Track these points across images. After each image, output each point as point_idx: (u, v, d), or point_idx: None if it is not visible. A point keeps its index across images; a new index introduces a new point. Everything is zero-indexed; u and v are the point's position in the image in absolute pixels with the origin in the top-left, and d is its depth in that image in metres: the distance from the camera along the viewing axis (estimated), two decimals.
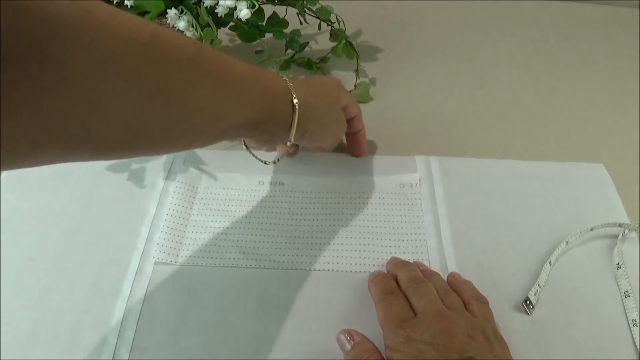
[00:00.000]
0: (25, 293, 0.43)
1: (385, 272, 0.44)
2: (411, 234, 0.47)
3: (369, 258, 0.45)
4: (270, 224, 0.48)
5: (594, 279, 0.44)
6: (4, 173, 0.54)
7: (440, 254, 0.46)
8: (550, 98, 0.65)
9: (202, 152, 0.56)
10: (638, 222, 0.48)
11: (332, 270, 0.45)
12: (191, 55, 0.32)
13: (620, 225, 0.47)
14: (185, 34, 0.34)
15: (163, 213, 0.49)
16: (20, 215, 0.49)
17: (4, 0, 0.21)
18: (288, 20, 0.60)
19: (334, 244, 0.47)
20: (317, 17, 0.61)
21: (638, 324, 0.40)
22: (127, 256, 0.45)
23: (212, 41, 0.49)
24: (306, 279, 0.44)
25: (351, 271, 0.44)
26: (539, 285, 0.43)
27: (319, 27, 0.64)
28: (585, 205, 0.50)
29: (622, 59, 0.72)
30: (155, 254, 0.45)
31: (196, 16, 0.50)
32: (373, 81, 0.68)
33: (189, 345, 0.39)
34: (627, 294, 0.42)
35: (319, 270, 0.45)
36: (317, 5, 0.60)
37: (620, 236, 0.46)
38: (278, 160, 0.49)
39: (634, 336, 0.40)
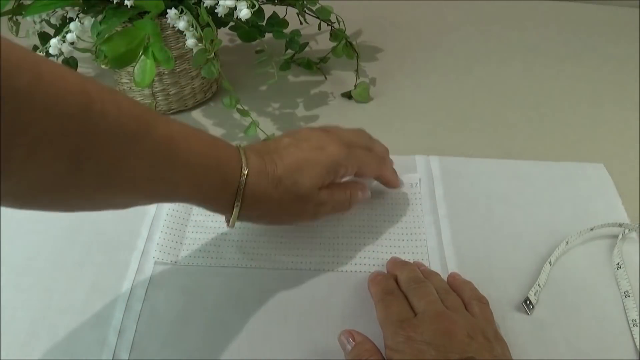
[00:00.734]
0: (25, 293, 0.43)
1: (385, 272, 0.44)
2: (411, 234, 0.47)
3: (369, 258, 0.45)
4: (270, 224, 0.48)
5: (594, 279, 0.44)
6: None
7: (440, 254, 0.46)
8: (550, 98, 0.65)
9: None
10: (638, 222, 0.48)
11: (332, 270, 0.44)
12: (130, 133, 0.30)
13: (620, 225, 0.47)
14: (137, 101, 0.31)
15: (163, 213, 0.49)
16: (20, 215, 0.49)
17: None
18: (288, 20, 0.60)
19: (333, 244, 0.47)
20: (317, 17, 0.61)
21: (638, 324, 0.40)
22: (127, 256, 0.45)
23: (212, 41, 0.49)
24: (306, 279, 0.44)
25: (351, 271, 0.44)
26: (539, 285, 0.43)
27: (319, 27, 0.64)
28: (585, 205, 0.50)
29: (622, 59, 0.72)
30: (155, 254, 0.45)
31: (196, 16, 0.50)
32: (373, 81, 0.68)
33: (189, 345, 0.39)
34: (627, 294, 0.42)
35: (319, 270, 0.45)
36: (317, 5, 0.60)
37: (620, 236, 0.46)
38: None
39: (634, 336, 0.40)
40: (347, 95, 0.64)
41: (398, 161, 0.55)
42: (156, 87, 0.59)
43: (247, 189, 0.37)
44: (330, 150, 0.40)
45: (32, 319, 0.41)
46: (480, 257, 0.45)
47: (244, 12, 0.48)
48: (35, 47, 0.56)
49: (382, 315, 0.39)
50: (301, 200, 0.39)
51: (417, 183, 0.52)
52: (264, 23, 0.57)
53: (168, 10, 0.49)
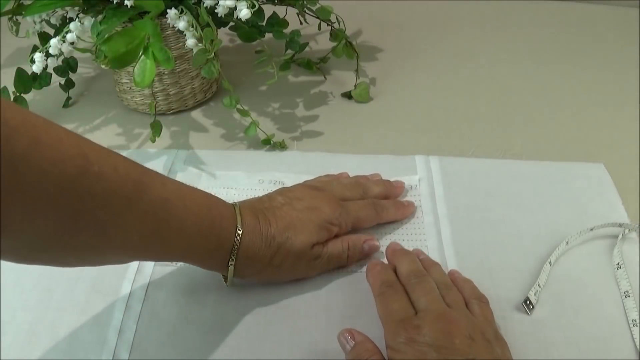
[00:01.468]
0: (25, 293, 0.43)
1: (384, 261, 0.44)
2: (411, 234, 0.47)
3: (368, 258, 0.45)
4: None
5: (594, 279, 0.44)
6: None
7: (440, 254, 0.46)
8: (550, 98, 0.65)
9: (202, 152, 0.56)
10: (638, 222, 0.48)
11: (333, 270, 0.44)
12: (126, 195, 0.31)
13: (620, 225, 0.47)
14: (134, 162, 0.32)
15: None
16: None
17: None
18: (288, 20, 0.60)
19: None
20: (317, 17, 0.61)
21: (638, 324, 0.40)
22: None
23: (212, 41, 0.49)
24: (306, 279, 0.44)
25: (351, 271, 0.44)
26: (539, 285, 0.43)
27: (319, 27, 0.64)
28: (585, 205, 0.50)
29: (622, 59, 0.72)
30: None
31: (196, 16, 0.50)
32: (373, 81, 0.68)
33: (189, 345, 0.39)
34: (627, 294, 0.42)
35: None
36: (317, 5, 0.60)
37: (620, 236, 0.46)
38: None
39: (634, 336, 0.39)
40: (347, 95, 0.64)
41: (398, 161, 0.55)
42: (156, 87, 0.59)
43: (241, 248, 0.37)
44: (323, 210, 0.41)
45: (32, 319, 0.41)
46: (480, 257, 0.45)
47: (244, 12, 0.48)
48: (35, 47, 0.56)
49: (382, 311, 0.39)
50: (294, 258, 0.40)
51: (416, 185, 0.52)
52: (264, 23, 0.57)
53: (168, 10, 0.49)
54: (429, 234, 0.47)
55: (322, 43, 0.71)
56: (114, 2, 0.50)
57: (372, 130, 0.60)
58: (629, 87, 0.66)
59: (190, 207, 0.35)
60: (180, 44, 0.56)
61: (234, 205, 0.39)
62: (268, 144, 0.56)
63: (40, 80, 0.59)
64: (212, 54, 0.49)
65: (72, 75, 0.64)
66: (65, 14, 0.55)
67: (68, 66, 0.62)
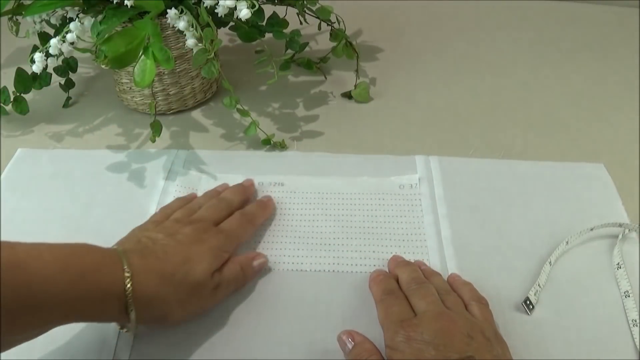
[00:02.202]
0: None
1: (386, 270, 0.44)
2: (411, 234, 0.47)
3: (369, 258, 0.45)
4: (270, 224, 0.48)
5: (594, 279, 0.44)
6: (4, 173, 0.54)
7: (440, 254, 0.46)
8: (550, 98, 0.65)
9: (202, 153, 0.56)
10: (638, 222, 0.48)
11: (332, 271, 0.44)
12: None
13: (620, 225, 0.47)
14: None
15: None
16: (20, 215, 0.49)
17: None
18: (288, 20, 0.60)
19: (334, 244, 0.47)
20: (317, 17, 0.61)
21: (638, 324, 0.40)
22: None
23: (212, 41, 0.49)
24: (306, 279, 0.44)
25: (351, 272, 0.44)
26: (539, 285, 0.43)
27: (319, 27, 0.64)
28: (585, 205, 0.50)
29: (622, 59, 0.72)
30: None
31: (196, 16, 0.50)
32: (373, 81, 0.68)
33: (189, 346, 0.39)
34: (627, 294, 0.42)
35: (319, 271, 0.45)
36: (317, 5, 0.60)
37: (620, 236, 0.46)
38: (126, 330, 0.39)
39: (634, 336, 0.40)
40: (347, 95, 0.64)
41: (398, 161, 0.55)
42: (156, 87, 0.59)
43: (137, 291, 0.35)
44: (210, 240, 0.41)
45: None
46: (480, 257, 0.45)
47: (244, 12, 0.48)
48: (35, 47, 0.56)
49: (382, 316, 0.39)
50: (196, 290, 0.38)
51: (416, 184, 0.52)
52: (264, 23, 0.57)
53: (168, 10, 0.49)
54: (429, 234, 0.47)
55: (322, 43, 0.71)
56: (114, 2, 0.50)
57: (372, 130, 0.60)
58: (629, 87, 0.66)
59: (51, 262, 0.33)
60: (180, 44, 0.56)
61: (116, 249, 0.37)
62: (268, 144, 0.56)
63: (40, 80, 0.59)
64: (212, 54, 0.49)
65: (72, 75, 0.64)
66: (65, 14, 0.55)
67: (68, 66, 0.62)
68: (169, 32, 0.54)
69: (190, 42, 0.50)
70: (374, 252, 0.46)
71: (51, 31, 0.57)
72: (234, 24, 0.58)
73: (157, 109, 0.53)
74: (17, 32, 0.59)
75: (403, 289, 0.41)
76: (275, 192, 0.51)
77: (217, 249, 0.40)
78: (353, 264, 0.45)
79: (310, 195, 0.51)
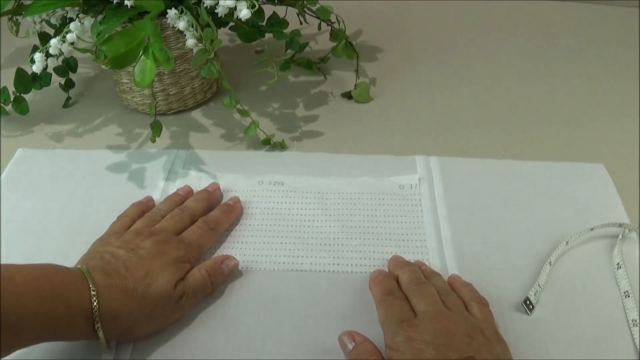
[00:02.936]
0: None
1: (386, 270, 0.44)
2: (411, 234, 0.47)
3: (369, 259, 0.45)
4: (270, 224, 0.48)
5: (594, 279, 0.44)
6: (4, 173, 0.54)
7: (440, 254, 0.46)
8: (550, 98, 0.65)
9: (202, 152, 0.56)
10: (638, 222, 0.48)
11: (333, 271, 0.44)
12: None
13: (620, 225, 0.47)
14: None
15: None
16: (20, 215, 0.49)
17: None
18: (288, 20, 0.60)
19: (334, 244, 0.47)
20: (317, 17, 0.61)
21: (638, 324, 0.40)
22: None
23: (212, 41, 0.49)
24: (306, 279, 0.44)
25: (351, 272, 0.44)
26: (539, 285, 0.43)
27: (319, 27, 0.64)
28: (585, 205, 0.50)
29: (622, 59, 0.72)
30: None
31: (196, 16, 0.50)
32: (373, 81, 0.68)
33: (189, 345, 0.39)
34: (627, 294, 0.42)
35: (319, 271, 0.45)
36: (317, 5, 0.60)
37: (620, 236, 0.46)
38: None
39: (634, 336, 0.40)
40: (347, 95, 0.64)
41: (398, 161, 0.55)
42: (156, 87, 0.59)
43: (101, 309, 0.35)
44: (170, 252, 0.41)
45: None
46: (480, 258, 0.45)
47: (244, 12, 0.48)
48: (35, 47, 0.56)
49: (382, 316, 0.39)
50: (160, 302, 0.38)
51: (416, 184, 0.52)
52: (264, 23, 0.57)
53: (168, 10, 0.49)
54: (429, 234, 0.47)
55: (322, 43, 0.71)
56: (114, 2, 0.50)
57: (372, 130, 0.60)
58: (629, 87, 0.66)
59: (22, 284, 0.33)
60: (180, 44, 0.56)
61: (80, 268, 0.37)
62: (268, 144, 0.56)
63: (40, 80, 0.59)
64: (212, 54, 0.49)
65: (72, 75, 0.64)
66: (65, 14, 0.55)
67: (68, 66, 0.62)
68: (169, 32, 0.54)
69: (190, 42, 0.50)
70: (374, 252, 0.46)
71: (51, 31, 0.57)
72: (234, 24, 0.58)
73: (157, 109, 0.53)
74: (17, 32, 0.59)
75: (403, 289, 0.41)
76: (275, 192, 0.51)
77: (177, 261, 0.41)
78: (353, 264, 0.45)
79: (310, 195, 0.51)
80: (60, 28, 0.53)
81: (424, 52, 0.74)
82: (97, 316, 0.35)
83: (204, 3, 0.50)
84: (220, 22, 0.55)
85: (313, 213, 0.49)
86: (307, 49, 0.66)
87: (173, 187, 0.51)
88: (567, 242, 0.46)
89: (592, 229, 0.47)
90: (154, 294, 0.38)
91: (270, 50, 0.55)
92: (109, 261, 0.39)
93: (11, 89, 0.58)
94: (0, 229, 0.47)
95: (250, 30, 0.58)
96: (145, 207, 0.48)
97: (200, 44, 0.49)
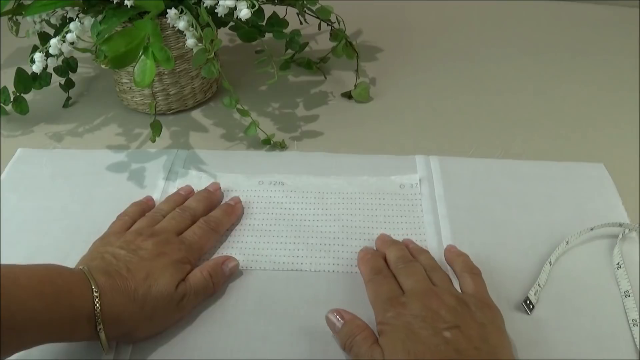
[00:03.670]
0: None
1: (374, 248, 0.45)
2: (411, 234, 0.47)
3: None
4: (271, 224, 0.48)
5: (594, 279, 0.44)
6: (4, 173, 0.54)
7: (440, 254, 0.46)
8: (550, 98, 0.65)
9: (202, 152, 0.56)
10: (638, 222, 0.48)
11: (333, 271, 0.44)
12: None
13: (620, 225, 0.47)
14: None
15: None
16: (20, 215, 0.49)
17: None
18: (288, 20, 0.60)
19: (334, 244, 0.47)
20: (317, 17, 0.61)
21: (638, 324, 0.40)
22: None
23: (212, 41, 0.49)
24: (306, 279, 0.44)
25: (351, 272, 0.44)
26: (539, 285, 0.43)
27: (319, 27, 0.64)
28: (585, 205, 0.50)
29: (622, 59, 0.72)
30: None
31: (196, 16, 0.50)
32: (373, 81, 0.68)
33: (189, 345, 0.39)
34: (627, 294, 0.42)
35: (320, 271, 0.44)
36: (317, 5, 0.60)
37: (620, 236, 0.46)
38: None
39: (634, 336, 0.40)
40: (347, 95, 0.64)
41: (398, 161, 0.55)
42: (156, 87, 0.59)
43: (104, 310, 0.35)
44: (170, 253, 0.41)
45: None
46: (480, 257, 0.45)
47: (244, 12, 0.48)
48: (35, 47, 0.56)
49: (372, 295, 0.40)
50: (162, 303, 0.38)
51: (417, 184, 0.52)
52: (264, 23, 0.57)
53: (168, 10, 0.49)
54: (429, 234, 0.47)
55: (322, 43, 0.71)
56: (114, 2, 0.50)
57: (372, 130, 0.60)
58: (629, 87, 0.66)
59: (27, 286, 0.33)
60: (180, 44, 0.56)
61: (82, 269, 0.37)
62: (268, 144, 0.56)
63: (40, 80, 0.59)
64: (212, 54, 0.49)
65: (72, 75, 0.64)
66: (65, 14, 0.55)
67: (68, 66, 0.62)
68: (169, 32, 0.54)
69: (190, 42, 0.50)
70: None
71: (51, 31, 0.57)
72: (234, 24, 0.58)
73: (157, 109, 0.53)
74: (17, 32, 0.59)
75: (391, 267, 0.42)
76: (276, 192, 0.51)
77: (178, 262, 0.41)
78: (353, 264, 0.45)
79: (310, 195, 0.51)
80: (60, 28, 0.53)
81: (424, 52, 0.74)
82: (99, 318, 0.35)
83: (204, 3, 0.50)
84: (220, 22, 0.55)
85: (313, 213, 0.49)
86: (307, 49, 0.66)
87: (173, 187, 0.51)
88: (567, 242, 0.46)
89: (592, 229, 0.47)
90: (156, 296, 0.38)
91: (270, 50, 0.55)
92: (111, 262, 0.39)
93: (11, 89, 0.58)
94: (0, 229, 0.47)
95: (250, 30, 0.58)
96: (145, 207, 0.48)
97: (200, 44, 0.49)
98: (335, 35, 0.63)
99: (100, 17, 0.50)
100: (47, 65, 0.52)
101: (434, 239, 0.47)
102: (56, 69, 0.61)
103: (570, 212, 0.49)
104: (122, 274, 0.38)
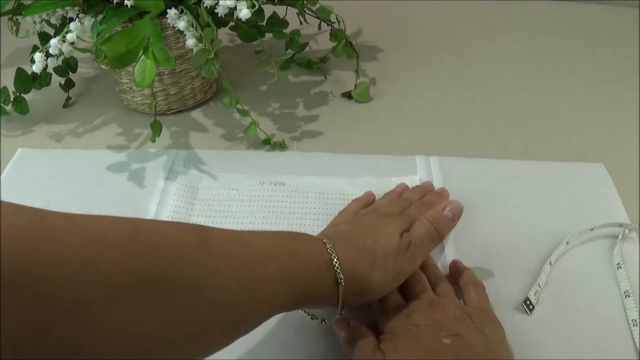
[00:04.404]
0: None
1: None
2: None
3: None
4: (271, 224, 0.48)
5: (594, 279, 0.44)
6: (4, 173, 0.54)
7: (440, 254, 0.46)
8: (550, 98, 0.65)
9: (202, 152, 0.56)
10: (638, 222, 0.48)
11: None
12: (191, 243, 0.29)
13: (620, 225, 0.47)
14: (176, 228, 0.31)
15: (163, 213, 0.49)
16: None
17: None
18: (288, 20, 0.60)
19: None
20: (317, 17, 0.61)
21: (638, 324, 0.40)
22: None
23: (212, 41, 0.49)
24: None
25: None
26: (539, 285, 0.43)
27: (319, 27, 0.64)
28: (585, 205, 0.50)
29: (622, 59, 0.72)
30: None
31: (196, 16, 0.50)
32: (373, 81, 0.68)
33: None
34: (627, 294, 0.42)
35: None
36: (317, 5, 0.60)
37: (620, 236, 0.46)
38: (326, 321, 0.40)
39: (634, 336, 0.40)
40: (347, 95, 0.64)
41: (398, 161, 0.55)
42: (156, 87, 0.59)
43: (341, 259, 0.35)
44: (395, 215, 0.43)
45: None
46: (480, 257, 0.45)
47: (244, 12, 0.48)
48: (35, 47, 0.56)
49: (377, 305, 0.40)
50: (390, 252, 0.38)
51: (417, 183, 0.52)
52: (264, 23, 0.57)
53: (168, 10, 0.49)
54: None
55: (322, 43, 0.71)
56: (114, 2, 0.50)
57: (372, 130, 0.60)
58: (629, 87, 0.66)
59: (267, 244, 0.34)
60: (180, 44, 0.56)
61: (320, 238, 0.37)
62: (268, 144, 0.56)
63: (40, 80, 0.59)
64: (212, 54, 0.49)
65: (72, 75, 0.64)
66: (65, 14, 0.55)
67: (68, 66, 0.62)
68: (169, 32, 0.54)
69: (190, 42, 0.50)
70: None
71: (51, 31, 0.57)
72: (234, 24, 0.58)
73: (157, 109, 0.53)
74: (17, 32, 0.59)
75: None
76: (276, 192, 0.51)
77: (400, 215, 0.43)
78: None
79: (311, 195, 0.51)
80: (60, 28, 0.53)
81: (424, 52, 0.74)
82: (338, 267, 0.35)
83: (204, 3, 0.50)
84: (220, 22, 0.55)
85: (314, 212, 0.49)
86: (307, 49, 0.66)
87: (173, 187, 0.51)
88: (567, 242, 0.46)
89: (592, 229, 0.47)
90: (382, 244, 0.38)
91: (270, 50, 0.55)
92: (336, 228, 0.42)
93: (11, 89, 0.58)
94: (0, 228, 0.47)
95: (250, 30, 0.58)
96: (366, 202, 0.49)
97: (200, 44, 0.49)
98: (335, 35, 0.63)
99: (100, 17, 0.50)
100: (47, 65, 0.52)
101: None
102: (56, 69, 0.61)
103: (570, 212, 0.49)
104: (347, 233, 0.39)
